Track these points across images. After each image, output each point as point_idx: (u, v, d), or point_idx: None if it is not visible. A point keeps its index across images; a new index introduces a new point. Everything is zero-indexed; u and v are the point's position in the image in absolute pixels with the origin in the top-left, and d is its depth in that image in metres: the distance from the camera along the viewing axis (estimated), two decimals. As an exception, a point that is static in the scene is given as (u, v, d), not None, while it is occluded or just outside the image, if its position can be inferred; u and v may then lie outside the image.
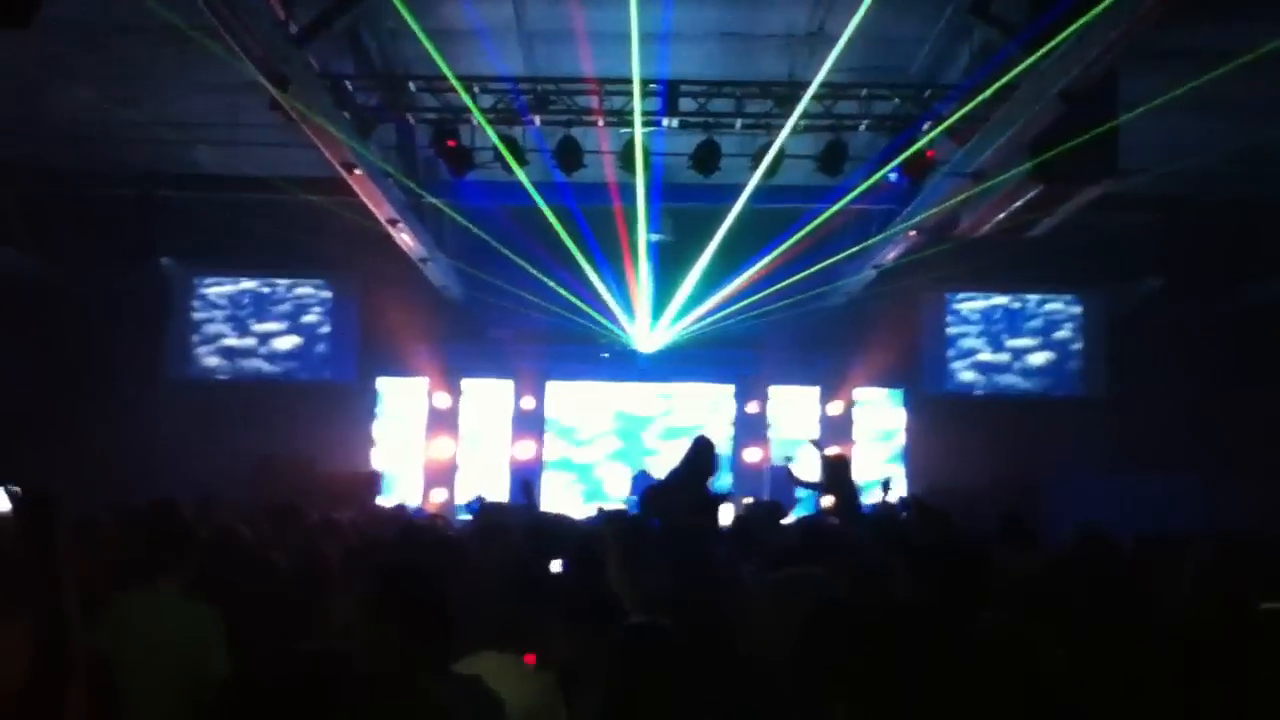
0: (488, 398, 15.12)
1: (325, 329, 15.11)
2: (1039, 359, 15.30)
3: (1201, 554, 4.90)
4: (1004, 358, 15.35)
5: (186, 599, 3.96)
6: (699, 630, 3.42)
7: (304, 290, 15.14)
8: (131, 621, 3.74)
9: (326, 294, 15.16)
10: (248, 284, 15.03)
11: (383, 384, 14.99)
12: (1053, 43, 6.94)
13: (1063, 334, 15.40)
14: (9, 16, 4.95)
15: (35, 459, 11.21)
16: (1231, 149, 8.83)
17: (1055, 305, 15.42)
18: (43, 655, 2.65)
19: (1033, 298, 15.36)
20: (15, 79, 8.99)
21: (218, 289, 15.01)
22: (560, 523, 8.18)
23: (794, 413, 15.30)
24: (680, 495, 6.59)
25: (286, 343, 15.04)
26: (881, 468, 14.55)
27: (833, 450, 10.01)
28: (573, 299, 13.06)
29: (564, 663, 3.50)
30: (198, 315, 14.93)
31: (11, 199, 11.14)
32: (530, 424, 14.96)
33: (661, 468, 12.52)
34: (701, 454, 6.88)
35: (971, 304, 15.43)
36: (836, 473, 9.78)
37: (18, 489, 3.20)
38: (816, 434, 12.11)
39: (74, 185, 11.67)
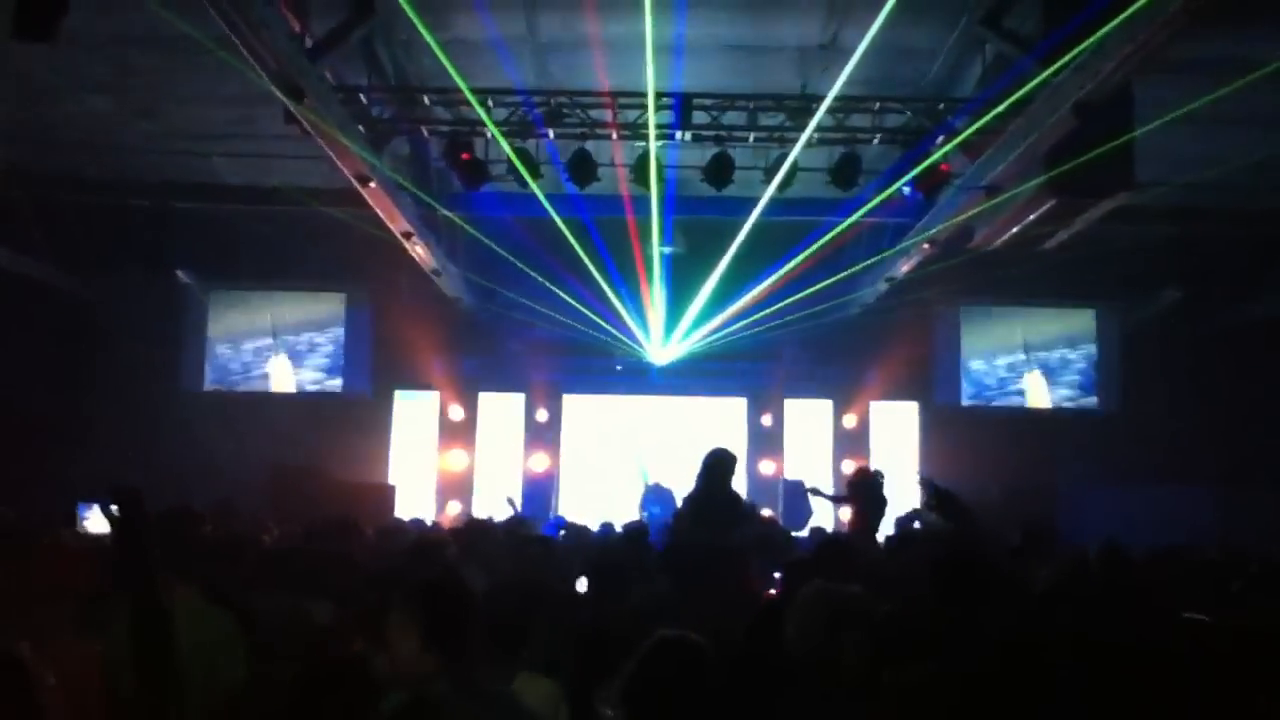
0: (503, 410, 15.16)
1: (340, 341, 15.14)
2: (1053, 372, 15.25)
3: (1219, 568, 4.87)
4: (1016, 371, 15.31)
5: (205, 603, 3.97)
6: (727, 640, 3.42)
7: (319, 302, 15.17)
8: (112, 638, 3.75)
9: (341, 306, 15.19)
10: (263, 295, 15.07)
11: (398, 397, 15.03)
12: (1067, 56, 6.92)
13: (1077, 347, 15.34)
14: (34, 30, 5.00)
15: (51, 468, 11.29)
16: (1248, 160, 8.78)
17: (1070, 317, 15.37)
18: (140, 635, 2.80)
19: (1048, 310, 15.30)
20: (33, 90, 9.06)
21: (233, 301, 15.07)
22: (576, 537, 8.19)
23: (808, 425, 15.32)
24: (702, 511, 6.57)
25: (302, 356, 15.07)
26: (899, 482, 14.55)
27: (855, 466, 9.99)
28: (586, 312, 13.07)
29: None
30: (213, 327, 14.99)
31: (29, 209, 11.20)
32: (545, 436, 14.98)
33: (671, 480, 12.60)
34: (718, 465, 6.87)
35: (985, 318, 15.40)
36: (857, 488, 9.76)
37: (114, 507, 3.27)
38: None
39: (91, 196, 11.74)
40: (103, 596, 4.13)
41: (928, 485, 5.11)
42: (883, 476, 9.74)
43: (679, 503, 8.24)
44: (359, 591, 4.11)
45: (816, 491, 11.20)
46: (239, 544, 4.92)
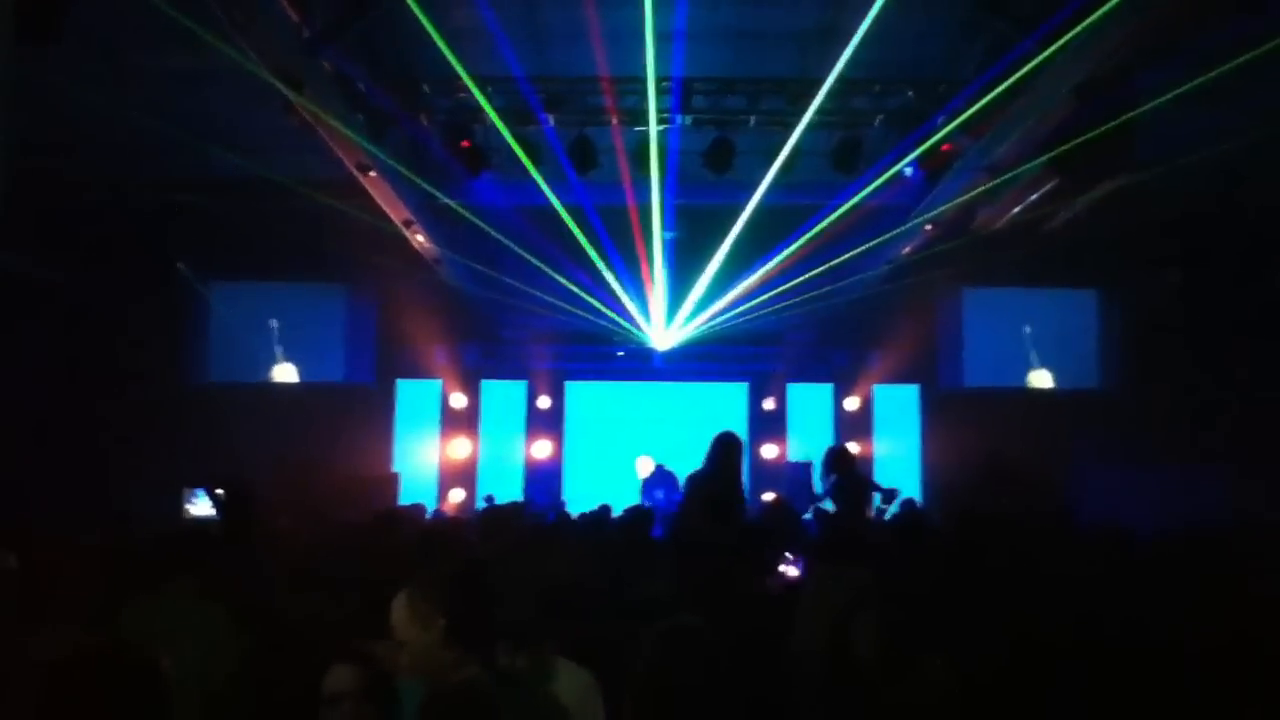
0: (506, 398, 15.20)
1: (342, 331, 15.14)
2: (1056, 352, 15.18)
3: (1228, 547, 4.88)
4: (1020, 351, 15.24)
5: (201, 599, 3.98)
6: (736, 629, 3.43)
7: (321, 293, 15.15)
8: (149, 621, 3.78)
9: (343, 296, 15.17)
10: (264, 287, 15.03)
11: (401, 386, 15.05)
12: (1068, 36, 6.90)
13: (1081, 328, 15.29)
14: (39, 33, 4.99)
15: (56, 466, 11.30)
16: (1252, 139, 8.72)
17: (1073, 298, 15.31)
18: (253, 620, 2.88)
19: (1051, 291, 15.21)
20: (32, 87, 9.01)
21: (238, 295, 15.03)
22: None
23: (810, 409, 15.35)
24: (710, 497, 6.57)
25: (305, 347, 15.05)
26: (896, 467, 14.61)
27: (849, 446, 9.94)
28: (588, 298, 13.07)
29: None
30: (215, 319, 14.96)
31: (29, 206, 11.18)
32: (547, 423, 15.01)
33: (677, 464, 12.61)
34: (726, 450, 6.88)
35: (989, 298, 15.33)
36: (834, 465, 9.69)
37: (221, 491, 3.37)
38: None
39: (90, 191, 11.70)
40: (109, 592, 4.17)
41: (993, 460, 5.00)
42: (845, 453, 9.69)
43: (682, 486, 8.26)
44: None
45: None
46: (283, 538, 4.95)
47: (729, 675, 3.07)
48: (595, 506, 9.71)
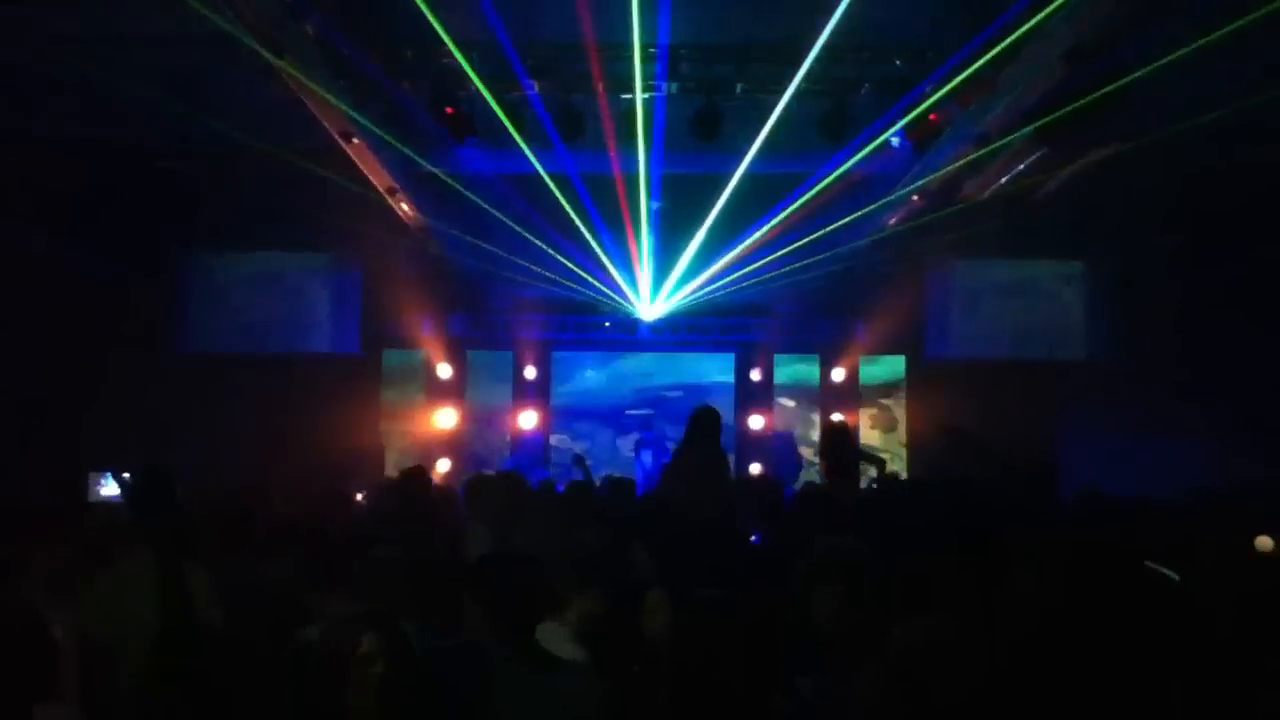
0: (492, 368, 15.17)
1: (327, 301, 15.04)
2: (1042, 322, 15.19)
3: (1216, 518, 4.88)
4: (1006, 321, 15.24)
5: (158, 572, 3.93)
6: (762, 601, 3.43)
7: (306, 261, 15.03)
8: (115, 591, 3.75)
9: (328, 266, 15.06)
10: (251, 257, 14.91)
11: (387, 356, 14.98)
12: (1059, 1, 6.84)
13: (1067, 297, 15.29)
14: None
15: (45, 435, 11.24)
16: (1244, 106, 8.68)
17: (1061, 268, 15.29)
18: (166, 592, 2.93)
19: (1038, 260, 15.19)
20: (16, 55, 8.88)
21: (221, 263, 14.91)
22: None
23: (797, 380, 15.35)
24: (693, 469, 6.56)
25: (290, 316, 14.96)
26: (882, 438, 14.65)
27: (836, 418, 9.97)
28: (574, 268, 13.02)
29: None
30: (198, 288, 14.85)
31: (17, 175, 11.05)
32: (533, 393, 14.98)
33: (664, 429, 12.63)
34: (703, 423, 6.87)
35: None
36: (834, 440, 9.72)
37: (127, 475, 3.37)
38: None
39: (78, 161, 11.57)
40: (68, 567, 4.14)
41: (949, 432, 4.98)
42: (845, 428, 9.71)
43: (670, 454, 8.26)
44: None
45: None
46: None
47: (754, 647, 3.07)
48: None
